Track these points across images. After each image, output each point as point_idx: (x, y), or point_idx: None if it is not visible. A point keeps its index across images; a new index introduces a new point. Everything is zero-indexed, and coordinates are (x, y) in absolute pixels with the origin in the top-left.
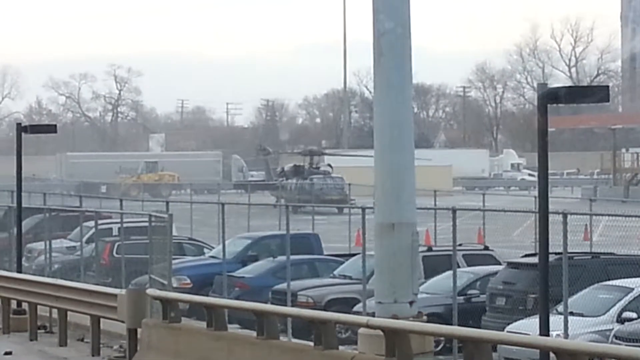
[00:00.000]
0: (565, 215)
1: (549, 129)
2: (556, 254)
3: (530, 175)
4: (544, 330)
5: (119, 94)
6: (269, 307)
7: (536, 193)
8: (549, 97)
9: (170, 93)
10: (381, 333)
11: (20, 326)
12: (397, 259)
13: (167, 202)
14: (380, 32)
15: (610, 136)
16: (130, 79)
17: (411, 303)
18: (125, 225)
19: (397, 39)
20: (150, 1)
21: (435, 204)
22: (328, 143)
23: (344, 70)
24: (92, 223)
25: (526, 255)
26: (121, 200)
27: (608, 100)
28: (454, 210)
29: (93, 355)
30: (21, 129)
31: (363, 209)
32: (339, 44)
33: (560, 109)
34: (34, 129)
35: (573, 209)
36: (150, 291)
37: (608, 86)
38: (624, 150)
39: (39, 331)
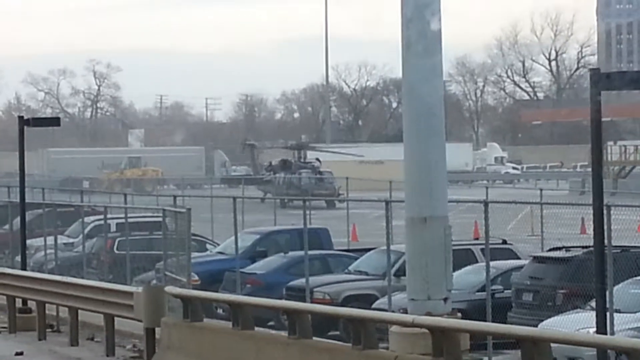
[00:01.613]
0: (609, 208)
1: (535, 122)
2: (583, 247)
3: (514, 168)
4: (602, 328)
5: (98, 89)
6: (302, 305)
7: (522, 186)
8: (603, 83)
9: (149, 88)
10: (420, 331)
11: (27, 325)
12: (430, 254)
13: (175, 197)
14: (408, 18)
15: (589, 130)
16: (109, 75)
17: (445, 300)
18: (123, 221)
19: (426, 26)
20: None
21: None
22: (307, 138)
23: (325, 65)
24: (88, 219)
25: (552, 249)
26: (125, 195)
27: None
28: (485, 204)
29: (107, 356)
30: (24, 122)
31: (387, 202)
32: (316, 40)
33: (540, 103)
34: (37, 122)
35: (566, 201)
36: (170, 289)
37: None
38: (611, 143)
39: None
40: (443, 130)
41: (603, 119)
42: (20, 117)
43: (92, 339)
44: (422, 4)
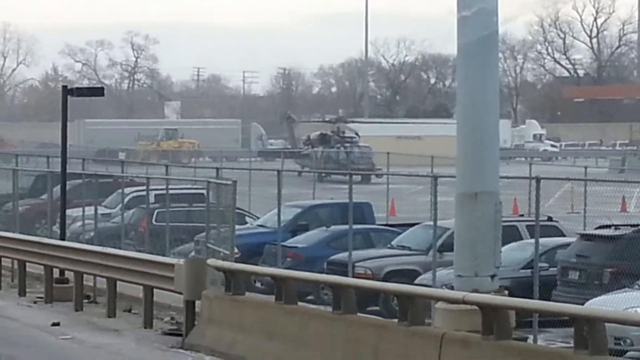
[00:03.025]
0: None
1: (577, 99)
2: (632, 225)
3: (552, 146)
4: None
5: (136, 61)
6: (348, 280)
7: (560, 163)
8: None
9: (187, 61)
10: (466, 308)
11: (63, 296)
12: (479, 231)
13: (218, 169)
14: None
15: (630, 108)
16: (147, 47)
17: (493, 277)
18: (162, 192)
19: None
20: None
21: None
22: (345, 112)
23: (365, 40)
24: (127, 190)
25: (600, 227)
26: (167, 167)
27: None
28: (537, 180)
29: (145, 328)
30: (67, 91)
31: (435, 177)
32: (354, 13)
33: (580, 80)
34: (80, 92)
35: (606, 179)
36: (212, 261)
37: None
38: None
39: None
40: (497, 105)
41: None
42: (64, 87)
43: (129, 311)
44: None
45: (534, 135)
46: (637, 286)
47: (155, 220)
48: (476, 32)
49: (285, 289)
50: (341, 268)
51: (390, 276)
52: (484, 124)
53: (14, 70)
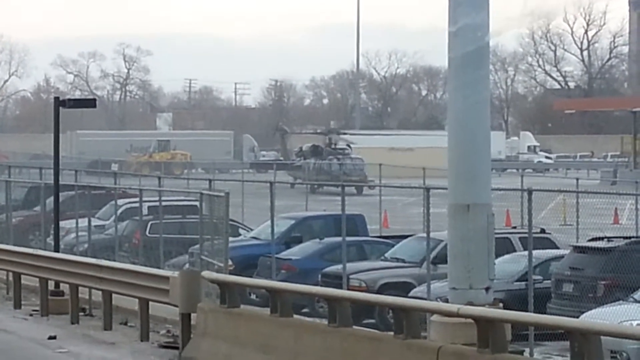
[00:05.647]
0: None
1: (568, 111)
2: (625, 237)
3: (547, 157)
4: None
5: (128, 73)
6: (343, 292)
7: (552, 175)
8: None
9: (178, 72)
10: (461, 321)
11: (59, 308)
12: (472, 242)
13: (210, 181)
14: (457, 3)
15: (620, 120)
16: (139, 58)
17: (487, 289)
18: (155, 204)
19: (474, 12)
20: None
21: None
22: (336, 124)
23: (356, 52)
24: (120, 201)
25: (593, 239)
26: (159, 178)
27: None
28: (529, 192)
29: (141, 341)
30: (59, 102)
31: (427, 189)
32: (346, 26)
33: (571, 92)
34: (72, 103)
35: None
36: (207, 274)
37: None
38: None
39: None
40: (488, 117)
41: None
42: (56, 98)
43: (125, 324)
44: None
45: (529, 147)
46: (631, 299)
47: (149, 232)
48: (466, 45)
49: (281, 301)
50: (335, 280)
51: (384, 289)
52: (475, 136)
53: (6, 81)
